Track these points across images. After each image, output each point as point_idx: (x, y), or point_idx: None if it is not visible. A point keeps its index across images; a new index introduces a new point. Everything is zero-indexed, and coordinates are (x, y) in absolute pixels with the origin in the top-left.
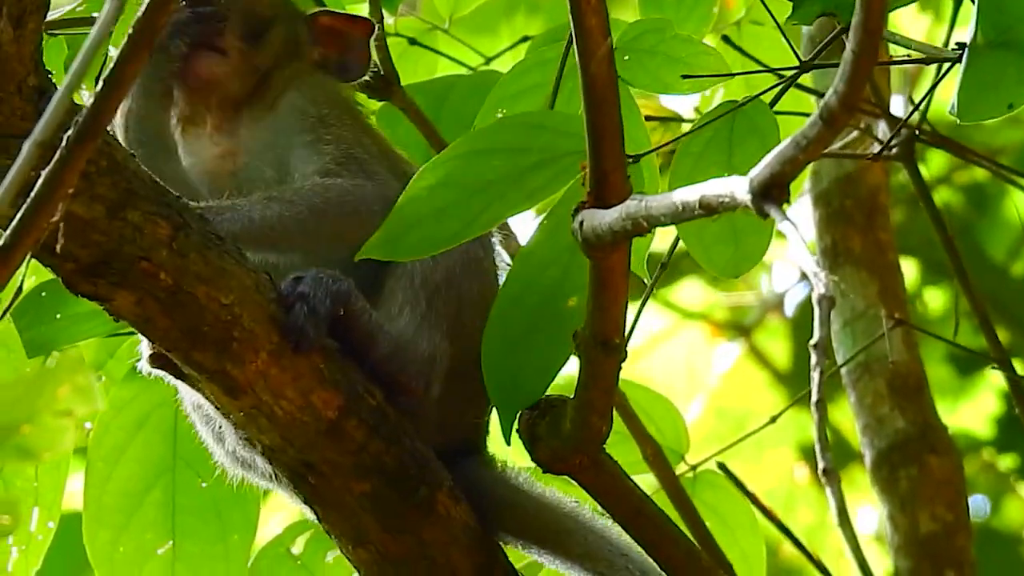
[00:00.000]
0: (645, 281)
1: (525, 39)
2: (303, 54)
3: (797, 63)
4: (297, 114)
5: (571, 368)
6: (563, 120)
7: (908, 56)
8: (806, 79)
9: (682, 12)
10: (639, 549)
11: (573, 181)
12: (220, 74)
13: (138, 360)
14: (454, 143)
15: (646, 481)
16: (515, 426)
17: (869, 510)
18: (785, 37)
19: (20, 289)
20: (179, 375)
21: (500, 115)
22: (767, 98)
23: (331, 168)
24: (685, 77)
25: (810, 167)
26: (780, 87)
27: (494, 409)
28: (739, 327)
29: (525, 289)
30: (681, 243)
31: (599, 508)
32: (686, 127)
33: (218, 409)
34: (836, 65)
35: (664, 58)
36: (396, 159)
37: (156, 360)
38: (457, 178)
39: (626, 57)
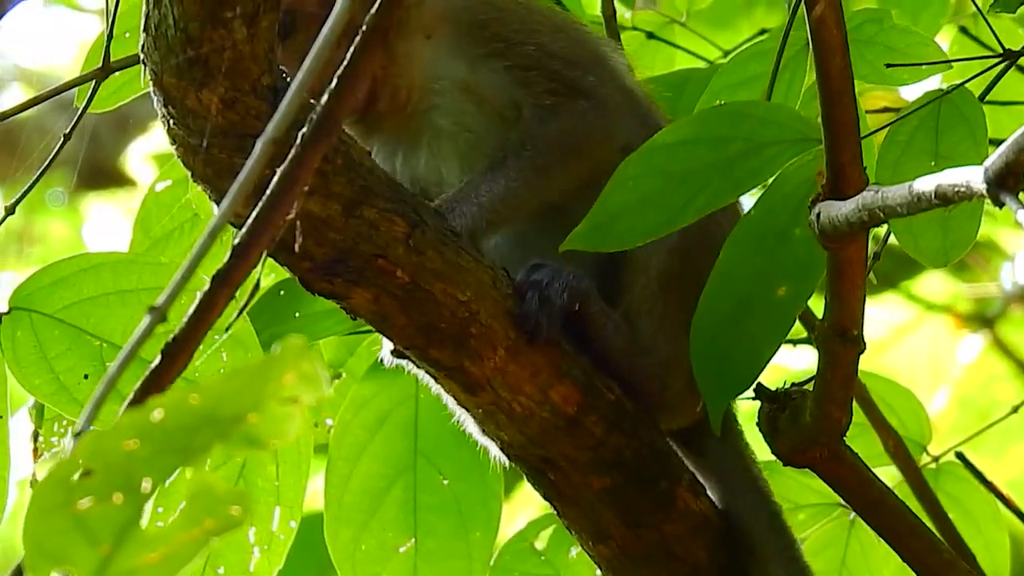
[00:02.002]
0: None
1: (763, 32)
2: None
3: None
4: (464, 41)
5: (805, 362)
6: (769, 109)
7: None
8: None
9: (919, 2)
10: None
11: (781, 170)
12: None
13: (381, 352)
14: (660, 132)
15: (888, 473)
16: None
17: None
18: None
19: (257, 287)
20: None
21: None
22: (980, 86)
23: (539, 101)
24: (889, 66)
25: None
26: (995, 75)
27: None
28: (982, 318)
29: (733, 278)
30: None
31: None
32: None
33: (458, 404)
34: None
35: (883, 48)
36: (599, 52)
37: (399, 351)
38: (662, 167)
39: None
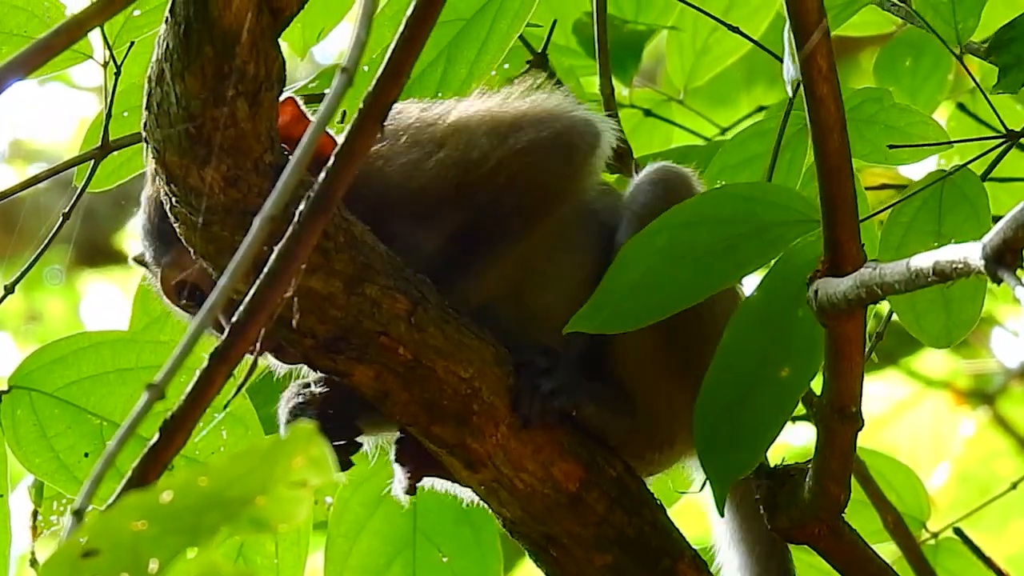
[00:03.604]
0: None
1: (760, 109)
2: None
3: None
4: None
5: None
6: (771, 191)
7: None
8: None
9: (917, 80)
10: None
11: (783, 251)
12: None
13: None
14: (664, 214)
15: (887, 549)
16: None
17: None
18: None
19: (255, 365)
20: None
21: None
22: (982, 166)
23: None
24: (891, 147)
25: None
26: (996, 155)
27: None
28: (982, 394)
29: (737, 359)
30: None
31: None
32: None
33: (458, 483)
34: None
35: (883, 127)
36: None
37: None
38: (665, 249)
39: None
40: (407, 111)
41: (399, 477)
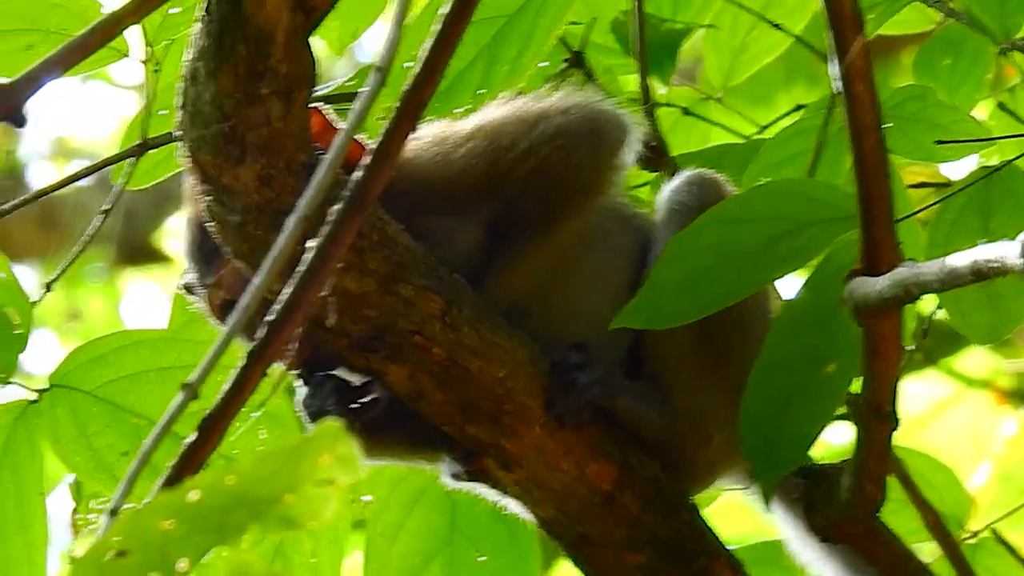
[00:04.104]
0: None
1: (799, 107)
2: None
3: None
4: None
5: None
6: (814, 188)
7: None
8: None
9: (955, 79)
10: None
11: (828, 248)
12: None
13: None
14: (709, 211)
15: (927, 549)
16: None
17: None
18: None
19: (291, 365)
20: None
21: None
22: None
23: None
24: (939, 143)
25: None
26: None
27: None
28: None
29: (784, 355)
30: None
31: None
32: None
33: (492, 484)
34: None
35: (926, 125)
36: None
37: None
38: (711, 246)
39: (888, 124)
40: (429, 127)
41: (446, 465)
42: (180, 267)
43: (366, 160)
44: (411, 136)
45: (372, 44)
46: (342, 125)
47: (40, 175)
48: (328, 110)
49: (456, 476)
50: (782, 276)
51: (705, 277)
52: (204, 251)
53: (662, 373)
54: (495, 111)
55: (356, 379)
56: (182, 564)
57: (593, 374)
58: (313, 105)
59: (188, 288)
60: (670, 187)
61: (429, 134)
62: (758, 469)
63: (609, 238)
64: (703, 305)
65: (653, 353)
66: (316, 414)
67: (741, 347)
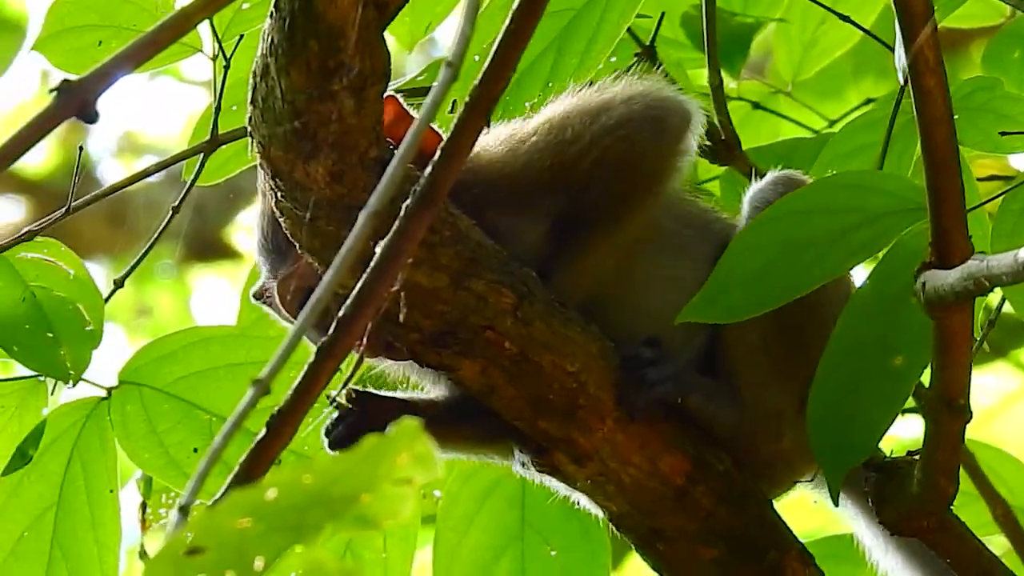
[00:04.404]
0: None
1: (868, 101)
2: None
3: None
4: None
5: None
6: (882, 179)
7: None
8: None
9: None
10: None
11: (895, 239)
12: None
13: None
14: (776, 204)
15: (996, 542)
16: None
17: None
18: None
19: (361, 360)
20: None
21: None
22: None
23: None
24: (1003, 134)
25: None
26: None
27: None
28: None
29: (850, 348)
30: None
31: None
32: None
33: (564, 478)
34: None
35: (994, 116)
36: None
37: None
38: (778, 238)
39: (956, 116)
40: (498, 128)
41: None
42: (250, 263)
43: (437, 156)
44: (482, 133)
45: (446, 38)
46: (416, 114)
47: (109, 171)
48: (402, 100)
49: (524, 466)
50: (851, 268)
51: (773, 270)
52: (276, 244)
53: (735, 371)
54: (559, 105)
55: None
56: (259, 563)
57: (665, 370)
58: (389, 95)
59: (258, 295)
60: (756, 187)
61: (496, 133)
62: (825, 462)
63: (684, 238)
64: (771, 298)
65: (726, 352)
66: (335, 443)
67: (815, 346)
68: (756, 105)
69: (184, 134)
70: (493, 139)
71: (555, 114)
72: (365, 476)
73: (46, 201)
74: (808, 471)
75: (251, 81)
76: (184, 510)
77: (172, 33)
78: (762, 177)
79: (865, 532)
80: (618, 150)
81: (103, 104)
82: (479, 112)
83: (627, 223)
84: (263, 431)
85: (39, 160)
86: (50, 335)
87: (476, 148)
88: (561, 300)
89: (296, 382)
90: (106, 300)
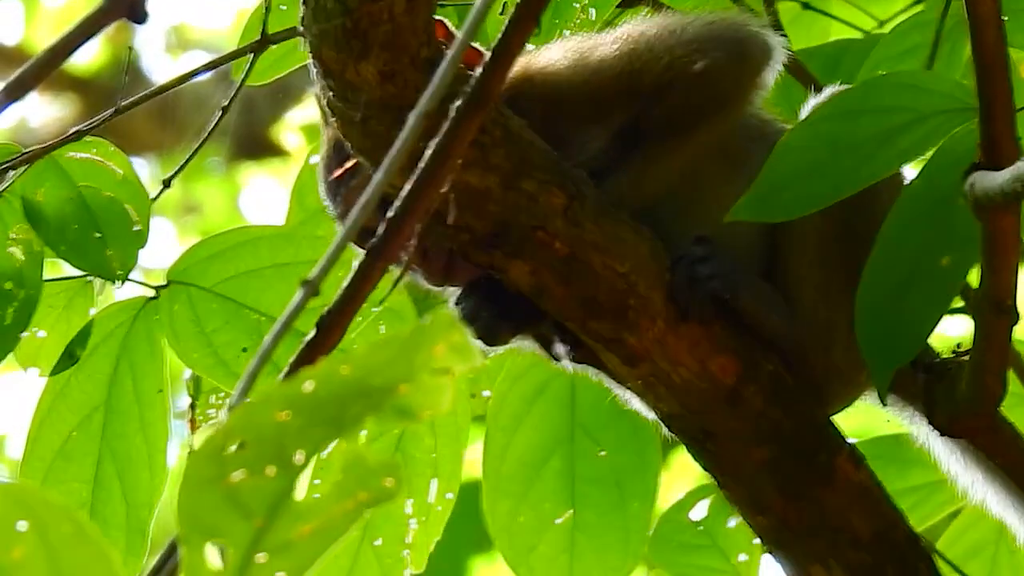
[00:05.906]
0: None
1: (918, 1)
2: None
3: None
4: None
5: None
6: (932, 79)
7: None
8: None
9: None
10: None
11: (943, 140)
12: None
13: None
14: (823, 103)
15: None
16: None
17: None
18: None
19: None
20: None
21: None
22: None
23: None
24: None
25: None
26: None
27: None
28: None
29: (897, 249)
30: None
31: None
32: None
33: (615, 379)
34: None
35: None
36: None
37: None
38: (826, 138)
39: (1005, 17)
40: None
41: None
42: (299, 161)
43: (488, 56)
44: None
45: None
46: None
47: (157, 67)
48: (449, 24)
49: (559, 359)
50: (899, 168)
51: (821, 169)
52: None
53: (789, 281)
54: (635, 24)
55: None
56: (299, 456)
57: (716, 266)
58: (437, 18)
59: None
60: (815, 101)
61: (563, 47)
62: (873, 362)
63: (745, 152)
64: (819, 198)
65: (781, 264)
66: (469, 317)
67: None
68: (806, 5)
69: (233, 28)
70: (559, 52)
71: (633, 30)
72: (403, 367)
73: (95, 98)
74: (867, 386)
75: None
76: (233, 409)
77: None
78: (819, 91)
79: (916, 433)
80: (694, 66)
81: (152, 2)
82: (530, 12)
83: (692, 140)
84: (312, 332)
85: (87, 57)
86: (97, 235)
87: (540, 61)
88: (614, 203)
89: (345, 283)
90: (154, 200)
